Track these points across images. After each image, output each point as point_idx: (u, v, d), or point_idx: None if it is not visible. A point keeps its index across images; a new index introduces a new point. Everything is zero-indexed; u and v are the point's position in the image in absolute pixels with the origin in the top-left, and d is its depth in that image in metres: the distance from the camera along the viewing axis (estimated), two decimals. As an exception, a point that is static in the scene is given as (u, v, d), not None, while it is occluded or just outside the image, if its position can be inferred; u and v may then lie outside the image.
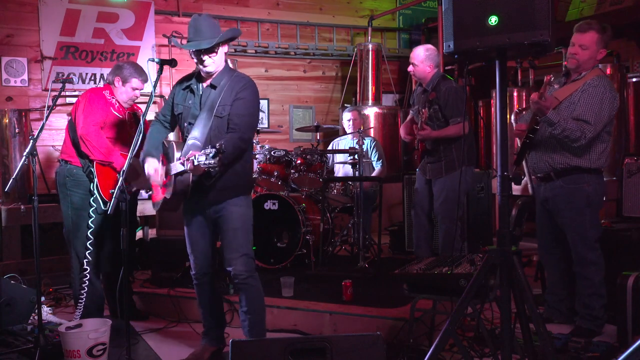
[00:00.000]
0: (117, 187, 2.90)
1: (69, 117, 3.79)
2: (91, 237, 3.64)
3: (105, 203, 3.66)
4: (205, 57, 2.98)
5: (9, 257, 4.97)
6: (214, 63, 3.01)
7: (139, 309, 4.18)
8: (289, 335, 3.53)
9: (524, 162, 3.58)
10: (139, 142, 3.03)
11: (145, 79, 3.84)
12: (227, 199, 3.03)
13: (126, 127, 3.81)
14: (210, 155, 2.63)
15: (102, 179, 3.65)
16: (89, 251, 3.64)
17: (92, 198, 3.66)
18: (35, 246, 3.27)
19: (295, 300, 3.84)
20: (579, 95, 3.29)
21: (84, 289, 3.66)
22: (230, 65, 3.17)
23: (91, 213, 3.65)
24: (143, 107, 3.31)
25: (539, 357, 2.21)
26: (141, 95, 3.93)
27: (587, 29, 3.29)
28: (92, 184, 3.66)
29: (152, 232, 4.97)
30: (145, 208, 5.26)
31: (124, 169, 2.96)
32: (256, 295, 3.09)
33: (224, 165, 2.85)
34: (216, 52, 2.99)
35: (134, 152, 3.00)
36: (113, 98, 3.78)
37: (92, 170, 3.65)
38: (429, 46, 4.19)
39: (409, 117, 4.41)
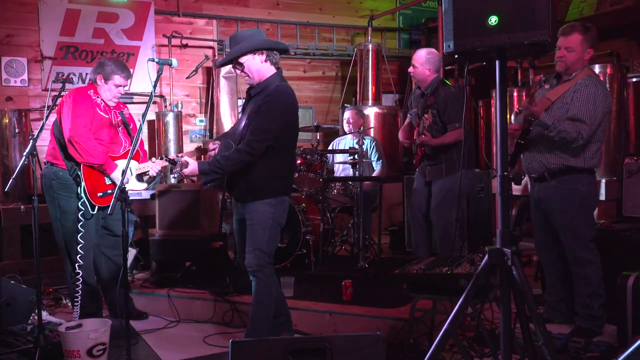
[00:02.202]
0: (118, 186, 2.89)
1: (54, 118, 3.71)
2: (81, 241, 3.61)
3: (93, 207, 3.63)
4: (238, 71, 3.19)
5: (9, 257, 4.97)
6: (247, 77, 3.16)
7: (139, 309, 4.17)
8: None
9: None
10: (138, 141, 3.02)
11: (127, 76, 3.77)
12: (249, 201, 3.16)
13: (112, 127, 3.74)
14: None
15: (90, 183, 3.60)
16: (79, 255, 3.62)
17: (80, 202, 3.62)
18: (35, 246, 3.26)
19: (295, 300, 3.83)
20: (572, 96, 3.31)
21: (78, 292, 3.66)
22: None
23: (80, 217, 3.61)
24: (142, 107, 3.31)
25: (539, 357, 2.20)
26: (141, 95, 3.91)
27: (570, 31, 3.34)
28: (79, 188, 3.61)
29: (152, 232, 4.97)
30: (145, 208, 5.25)
31: (123, 169, 2.95)
32: (263, 289, 3.15)
33: (214, 173, 3.09)
34: (238, 68, 3.15)
35: (133, 152, 3.00)
36: (98, 97, 3.70)
37: (79, 173, 3.59)
38: (432, 50, 4.18)
39: (406, 121, 4.40)
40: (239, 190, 3.20)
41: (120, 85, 3.73)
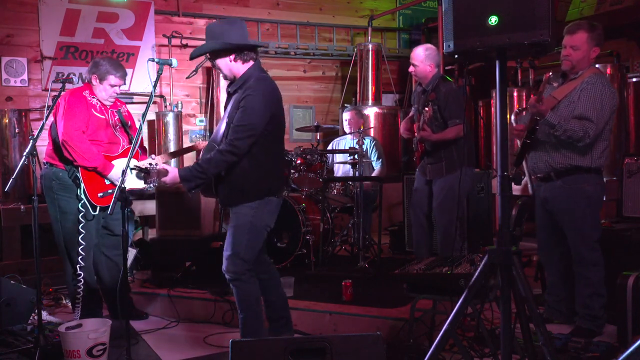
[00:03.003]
0: (117, 186, 2.89)
1: (52, 120, 3.69)
2: (82, 242, 3.60)
3: (94, 208, 3.61)
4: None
5: (9, 257, 4.98)
6: (222, 72, 3.08)
7: (139, 309, 4.17)
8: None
9: (524, 162, 3.58)
10: (138, 142, 3.01)
11: (123, 75, 3.73)
12: (233, 205, 3.03)
13: (109, 127, 3.72)
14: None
15: (89, 184, 3.58)
16: (81, 256, 3.61)
17: (81, 203, 3.60)
18: (35, 246, 3.26)
19: (295, 300, 3.83)
20: (578, 94, 3.29)
21: (79, 292, 3.65)
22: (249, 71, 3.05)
23: (80, 219, 3.60)
24: (142, 107, 3.30)
25: (539, 357, 2.21)
26: (141, 95, 3.90)
27: (575, 29, 3.32)
28: (79, 190, 3.59)
29: (152, 232, 4.97)
30: (145, 208, 5.26)
31: (123, 169, 2.94)
32: (244, 297, 3.04)
33: (197, 179, 2.93)
34: (213, 64, 3.07)
35: (133, 152, 2.99)
36: (94, 98, 3.68)
37: (78, 175, 3.57)
38: (429, 45, 4.19)
39: (409, 115, 4.41)
40: (223, 193, 3.04)
41: (116, 85, 3.70)
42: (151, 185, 3.04)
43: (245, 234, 2.99)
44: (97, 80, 3.67)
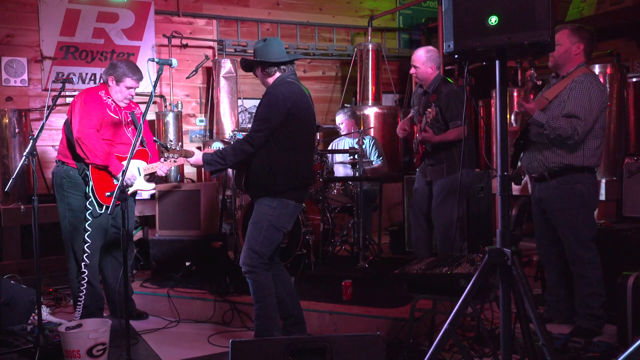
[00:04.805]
0: (117, 187, 2.90)
1: (66, 118, 3.76)
2: (88, 240, 3.62)
3: (100, 206, 3.64)
4: None
5: (9, 257, 4.98)
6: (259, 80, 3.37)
7: (139, 309, 4.17)
8: (289, 335, 3.52)
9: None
10: (138, 141, 3.02)
11: (139, 78, 3.80)
12: (257, 197, 3.23)
13: (122, 127, 3.76)
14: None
15: (98, 182, 3.62)
16: (86, 254, 3.62)
17: (88, 201, 3.63)
18: (35, 246, 3.26)
19: (295, 300, 3.83)
20: (568, 93, 3.33)
21: (82, 290, 3.65)
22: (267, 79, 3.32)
23: (87, 216, 3.63)
24: (142, 107, 3.31)
25: (539, 357, 2.20)
26: (141, 95, 3.91)
27: (560, 28, 3.42)
28: (87, 187, 3.63)
29: (152, 232, 4.97)
30: (145, 208, 5.26)
31: (124, 169, 2.95)
32: (258, 289, 3.19)
33: (217, 163, 3.19)
34: (254, 72, 3.37)
35: (134, 152, 3.00)
36: (109, 98, 3.73)
37: (88, 173, 3.61)
38: (430, 47, 4.19)
39: (409, 116, 4.41)
40: (247, 186, 3.26)
41: (132, 88, 3.77)
42: (170, 159, 3.44)
43: (263, 230, 3.16)
44: (114, 82, 3.73)
